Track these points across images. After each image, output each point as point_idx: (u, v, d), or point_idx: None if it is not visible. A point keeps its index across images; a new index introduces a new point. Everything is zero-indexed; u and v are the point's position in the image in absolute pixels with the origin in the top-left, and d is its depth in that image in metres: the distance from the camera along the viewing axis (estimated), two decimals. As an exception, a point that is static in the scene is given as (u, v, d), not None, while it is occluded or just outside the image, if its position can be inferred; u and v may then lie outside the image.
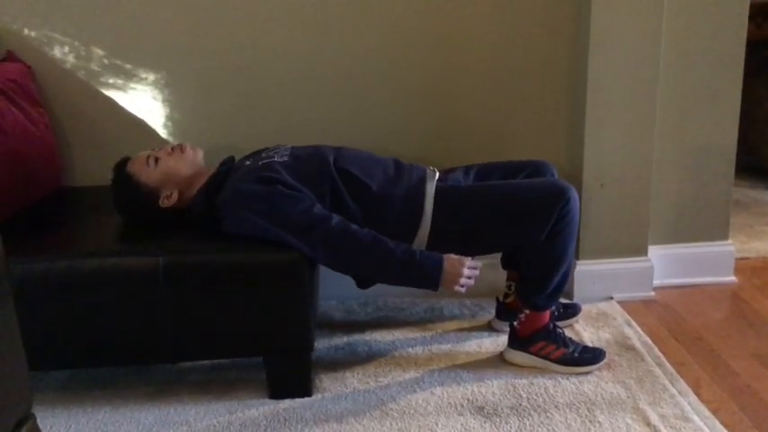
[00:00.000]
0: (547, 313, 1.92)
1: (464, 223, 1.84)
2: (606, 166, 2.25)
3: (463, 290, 1.76)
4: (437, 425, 1.70)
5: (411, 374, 1.92)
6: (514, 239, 1.87)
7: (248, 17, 2.17)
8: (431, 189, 1.87)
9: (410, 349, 2.06)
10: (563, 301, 2.19)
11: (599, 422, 1.70)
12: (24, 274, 1.66)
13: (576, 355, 1.91)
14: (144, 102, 2.22)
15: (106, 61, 2.18)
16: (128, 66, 2.19)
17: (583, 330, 2.13)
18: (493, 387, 1.85)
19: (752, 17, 2.33)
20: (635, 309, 2.28)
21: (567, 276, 1.89)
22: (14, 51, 2.13)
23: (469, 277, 1.75)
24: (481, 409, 1.76)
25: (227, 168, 1.90)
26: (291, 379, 1.83)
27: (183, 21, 2.16)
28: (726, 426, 1.68)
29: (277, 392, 1.82)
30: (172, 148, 1.90)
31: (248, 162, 1.88)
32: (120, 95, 2.21)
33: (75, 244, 1.82)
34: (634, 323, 2.17)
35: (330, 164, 1.84)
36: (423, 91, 2.28)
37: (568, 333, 2.02)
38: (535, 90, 2.30)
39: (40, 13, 2.12)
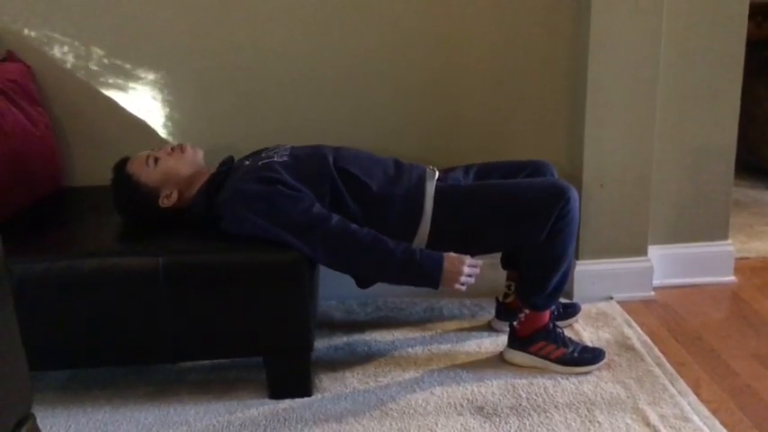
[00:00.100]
0: (546, 313, 1.92)
1: (464, 223, 1.84)
2: (606, 166, 2.25)
3: (464, 288, 1.76)
4: (437, 425, 1.70)
5: (411, 374, 1.92)
6: (514, 239, 1.87)
7: (248, 17, 2.18)
8: (431, 188, 1.87)
9: (410, 349, 2.06)
10: (562, 300, 2.19)
11: (599, 422, 1.70)
12: (24, 274, 1.66)
13: (575, 354, 1.91)
14: (144, 102, 2.22)
15: (106, 61, 2.18)
16: (128, 66, 2.19)
17: (582, 330, 2.13)
18: (492, 387, 1.85)
19: (752, 16, 2.33)
20: (635, 309, 2.28)
21: (566, 276, 1.89)
22: (14, 51, 2.13)
23: (470, 275, 1.75)
24: (481, 408, 1.76)
25: (227, 168, 1.90)
26: (291, 379, 1.83)
27: (182, 21, 2.16)
28: (725, 426, 1.68)
29: (277, 392, 1.83)
30: (172, 148, 1.90)
31: (248, 162, 1.88)
32: (120, 95, 2.21)
33: (75, 244, 1.82)
34: (634, 323, 2.17)
35: (330, 164, 1.84)
36: (423, 91, 2.28)
37: (568, 333, 2.02)
38: (535, 90, 2.30)
39: (40, 13, 2.12)
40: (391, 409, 1.77)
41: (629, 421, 1.70)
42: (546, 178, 1.98)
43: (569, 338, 1.95)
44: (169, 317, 1.72)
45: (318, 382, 1.90)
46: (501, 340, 2.05)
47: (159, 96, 2.22)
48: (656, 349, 2.01)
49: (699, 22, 2.24)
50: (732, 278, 2.47)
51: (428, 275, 1.73)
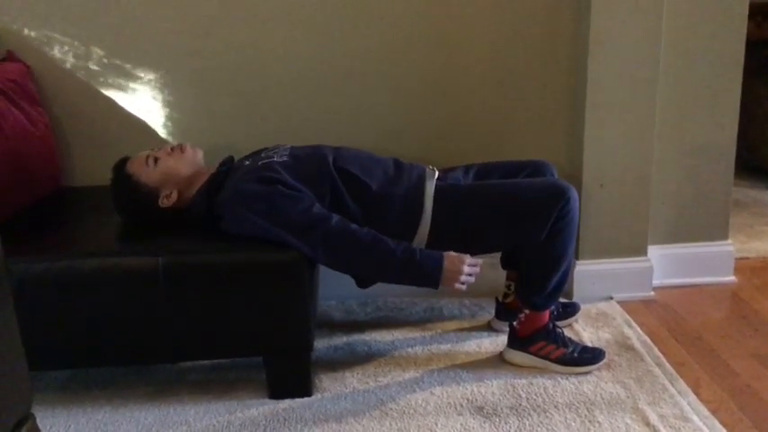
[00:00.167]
0: (546, 313, 1.92)
1: (464, 222, 1.84)
2: (606, 166, 2.25)
3: (464, 287, 1.76)
4: (436, 425, 1.70)
5: (410, 374, 1.93)
6: (514, 239, 1.87)
7: (248, 17, 2.18)
8: (430, 188, 1.87)
9: (410, 349, 2.06)
10: (562, 300, 2.19)
11: (598, 422, 1.70)
12: (24, 274, 1.66)
13: (575, 354, 1.91)
14: (144, 102, 2.22)
15: (106, 61, 2.18)
16: (128, 66, 2.19)
17: (582, 330, 2.13)
18: (492, 387, 1.85)
19: (751, 16, 2.33)
20: (634, 309, 2.28)
21: (566, 276, 1.89)
22: (14, 51, 2.13)
23: (470, 275, 1.75)
24: (481, 408, 1.76)
25: (227, 168, 1.90)
26: (291, 379, 1.83)
27: (183, 21, 2.16)
28: (725, 425, 1.68)
29: (277, 392, 1.83)
30: (171, 148, 1.90)
31: (248, 162, 1.88)
32: (120, 95, 2.21)
33: (75, 244, 1.82)
34: (633, 323, 2.17)
35: (330, 163, 1.84)
36: (423, 91, 2.28)
37: (568, 333, 2.02)
38: (535, 90, 2.30)
39: (40, 13, 2.12)
40: (391, 409, 1.77)
41: (628, 421, 1.70)
42: (546, 178, 1.98)
43: (569, 338, 1.95)
44: (169, 317, 1.72)
45: (318, 382, 1.90)
46: (501, 340, 2.05)
47: (159, 96, 2.22)
48: (655, 349, 2.01)
49: (699, 22, 2.24)
50: (732, 278, 2.47)
51: (428, 275, 1.73)
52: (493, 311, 2.18)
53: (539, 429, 1.68)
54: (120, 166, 1.89)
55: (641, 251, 2.34)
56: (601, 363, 1.92)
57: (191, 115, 2.24)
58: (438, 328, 2.17)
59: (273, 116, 2.25)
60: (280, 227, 1.72)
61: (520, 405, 1.77)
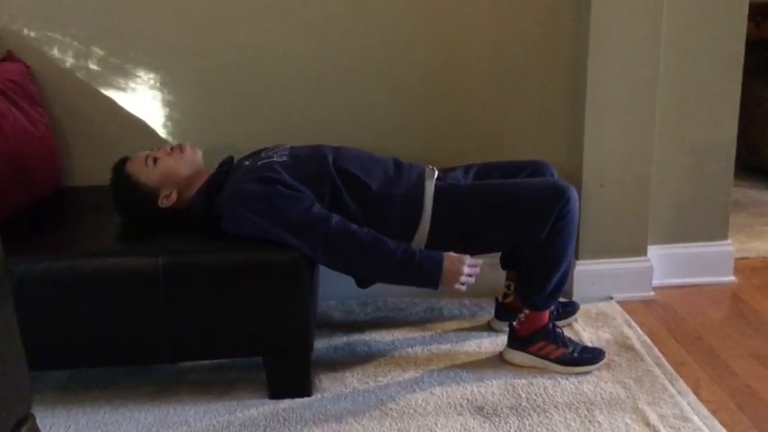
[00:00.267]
0: (546, 313, 1.92)
1: (464, 222, 1.84)
2: (606, 166, 2.25)
3: (464, 288, 1.76)
4: (436, 425, 1.70)
5: (410, 374, 1.93)
6: (514, 239, 1.87)
7: (248, 17, 2.18)
8: (430, 187, 1.87)
9: (409, 349, 2.06)
10: (561, 299, 2.19)
11: (598, 422, 1.70)
12: (24, 274, 1.66)
13: (575, 354, 1.91)
14: (144, 102, 2.22)
15: (106, 61, 2.18)
16: (127, 66, 2.19)
17: (582, 330, 2.13)
18: (492, 387, 1.85)
19: (751, 16, 2.33)
20: (634, 309, 2.28)
21: (566, 276, 1.89)
22: (14, 51, 2.13)
23: (470, 275, 1.75)
24: (480, 408, 1.76)
25: (227, 168, 1.90)
26: (291, 379, 1.83)
27: (183, 21, 2.16)
28: (725, 426, 1.68)
29: (277, 392, 1.83)
30: (171, 148, 1.90)
31: (247, 162, 1.88)
32: (120, 95, 2.21)
33: (75, 244, 1.82)
34: (633, 323, 2.17)
35: (329, 163, 1.84)
36: (422, 91, 2.28)
37: (567, 332, 2.02)
38: (535, 90, 2.30)
39: (40, 13, 2.12)
40: (391, 409, 1.77)
41: (628, 421, 1.70)
42: (546, 178, 1.98)
43: (569, 338, 1.95)
44: (169, 317, 1.72)
45: (318, 382, 1.90)
46: (501, 340, 2.05)
47: (159, 96, 2.22)
48: (655, 349, 2.01)
49: (699, 22, 2.24)
50: (732, 278, 2.47)
51: (428, 276, 1.73)
52: (493, 311, 2.18)
53: (539, 429, 1.68)
54: (120, 166, 1.89)
55: (641, 251, 2.35)
56: (601, 363, 1.92)
57: (191, 115, 2.24)
58: (438, 329, 2.17)
59: (273, 116, 2.25)
60: (279, 227, 1.72)
61: (520, 405, 1.77)
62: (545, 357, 1.91)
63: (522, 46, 2.26)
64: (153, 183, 1.85)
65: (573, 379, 1.88)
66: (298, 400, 1.82)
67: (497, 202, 1.84)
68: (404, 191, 1.86)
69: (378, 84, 2.26)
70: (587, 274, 2.32)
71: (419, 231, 1.84)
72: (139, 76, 2.20)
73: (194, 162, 1.90)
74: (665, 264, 2.41)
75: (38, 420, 1.18)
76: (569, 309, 2.20)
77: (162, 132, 2.25)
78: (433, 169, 1.95)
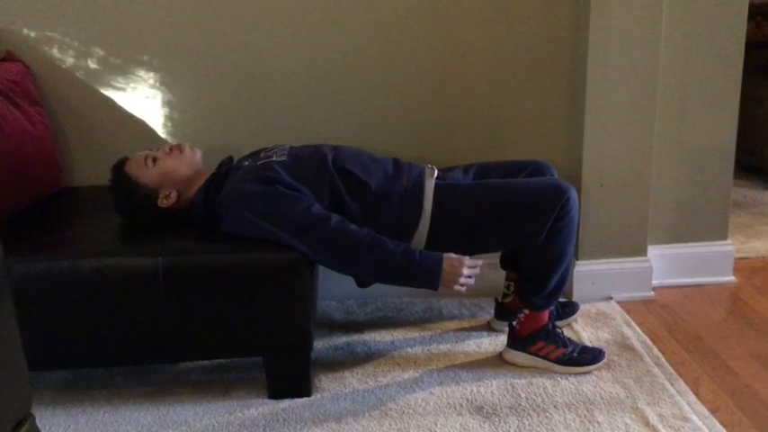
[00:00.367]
0: (546, 313, 1.92)
1: (463, 221, 1.84)
2: (606, 166, 2.26)
3: (463, 289, 1.76)
4: (436, 425, 1.71)
5: (410, 374, 1.93)
6: (513, 239, 1.87)
7: (248, 17, 2.18)
8: (430, 186, 1.87)
9: (409, 349, 2.06)
10: (561, 299, 2.19)
11: (598, 422, 1.70)
12: (24, 274, 1.66)
13: (575, 355, 1.91)
14: (144, 102, 2.22)
15: (106, 61, 2.18)
16: (127, 66, 2.19)
17: (582, 330, 2.14)
18: (492, 387, 1.85)
19: (751, 17, 2.33)
20: (634, 309, 2.28)
21: (566, 276, 1.89)
22: (14, 51, 2.13)
23: (469, 276, 1.75)
24: (480, 408, 1.77)
25: (227, 168, 1.90)
26: (291, 379, 1.83)
27: (182, 21, 2.16)
28: (724, 425, 1.68)
29: (276, 392, 1.83)
30: (170, 149, 1.90)
31: (247, 162, 1.88)
32: (120, 95, 2.21)
33: (75, 244, 1.82)
34: (633, 323, 2.17)
35: (329, 163, 1.84)
36: (422, 91, 2.28)
37: (567, 332, 2.03)
38: (535, 90, 2.30)
39: (39, 13, 2.12)
40: (390, 408, 1.77)
41: (628, 421, 1.70)
42: (546, 178, 1.98)
43: (569, 338, 1.95)
44: (169, 317, 1.72)
45: (318, 382, 1.90)
46: (500, 340, 2.05)
47: (159, 96, 2.22)
48: (655, 349, 2.01)
49: (698, 23, 2.24)
50: (731, 278, 2.48)
51: (427, 277, 1.73)
52: (492, 311, 2.18)
53: (538, 429, 1.68)
54: (119, 166, 1.89)
55: (641, 251, 2.35)
56: (600, 363, 1.92)
57: (191, 115, 2.25)
58: (437, 329, 2.17)
59: (273, 116, 2.25)
60: (279, 227, 1.72)
61: (519, 405, 1.77)
62: (545, 357, 1.91)
63: (522, 46, 2.27)
64: (152, 183, 1.85)
65: (572, 379, 1.88)
66: (297, 400, 1.82)
67: (497, 202, 1.84)
68: (403, 190, 1.86)
69: (378, 83, 2.26)
70: (587, 274, 2.33)
71: (419, 230, 1.84)
72: (139, 76, 2.20)
73: (193, 162, 1.90)
74: (664, 264, 2.41)
75: (38, 420, 1.18)
76: (569, 309, 2.21)
77: (162, 132, 2.25)
78: (432, 168, 1.95)
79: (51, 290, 1.68)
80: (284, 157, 1.84)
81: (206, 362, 1.98)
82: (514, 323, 1.93)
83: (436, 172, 1.94)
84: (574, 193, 1.83)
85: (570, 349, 1.92)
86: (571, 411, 1.74)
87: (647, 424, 1.68)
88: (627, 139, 2.23)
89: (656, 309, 2.30)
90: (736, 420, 1.71)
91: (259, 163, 1.83)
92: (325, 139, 2.15)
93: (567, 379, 1.88)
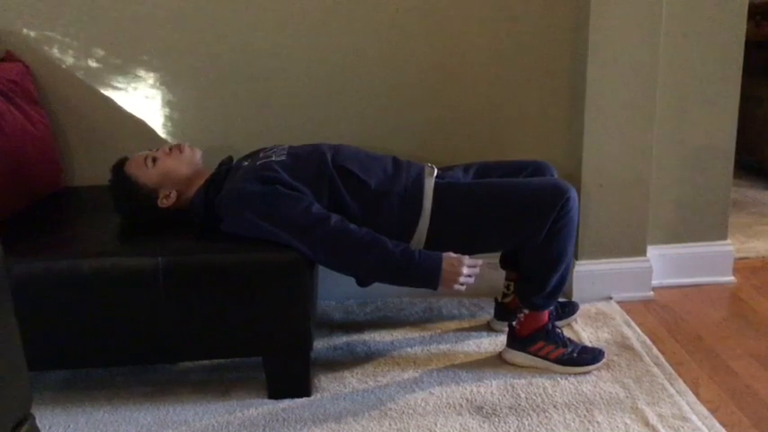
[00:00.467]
0: (546, 313, 1.92)
1: (463, 220, 1.84)
2: (606, 166, 2.26)
3: (463, 288, 1.76)
4: (436, 425, 1.71)
5: (410, 374, 1.93)
6: (513, 238, 1.86)
7: (248, 17, 2.18)
8: (429, 185, 1.87)
9: (409, 349, 2.06)
10: (560, 299, 2.19)
11: (597, 422, 1.70)
12: (24, 274, 1.66)
13: (574, 355, 1.91)
14: (143, 102, 2.22)
15: (106, 61, 2.18)
16: (127, 66, 2.19)
17: (582, 330, 2.14)
18: (492, 387, 1.85)
19: (751, 16, 2.33)
20: (634, 309, 2.28)
21: (565, 276, 1.89)
22: (14, 51, 2.13)
23: (469, 275, 1.75)
24: (480, 408, 1.77)
25: (226, 168, 1.90)
26: (290, 379, 1.83)
27: (182, 21, 2.16)
28: (724, 425, 1.68)
29: (276, 392, 1.83)
30: (170, 148, 1.90)
31: (246, 162, 1.88)
32: (120, 95, 2.21)
33: (75, 244, 1.82)
34: (633, 323, 2.17)
35: (328, 162, 1.84)
36: (422, 91, 2.28)
37: (567, 332, 2.03)
38: (535, 90, 2.30)
39: (39, 13, 2.12)
40: (390, 408, 1.78)
41: (627, 421, 1.70)
42: (545, 177, 1.98)
43: (568, 338, 1.95)
44: (169, 317, 1.72)
45: (317, 382, 1.90)
46: (500, 340, 2.05)
47: (159, 96, 2.22)
48: (654, 349, 2.01)
49: (698, 23, 2.24)
50: (731, 278, 2.48)
51: (427, 276, 1.73)
52: (492, 311, 2.18)
53: (538, 429, 1.68)
54: (119, 166, 1.89)
55: (641, 251, 2.35)
56: (600, 363, 1.92)
57: (191, 115, 2.25)
58: (437, 328, 2.17)
59: (273, 116, 2.26)
60: (279, 227, 1.72)
61: (519, 405, 1.77)
62: (544, 357, 1.91)
63: (522, 46, 2.27)
64: (152, 183, 1.85)
65: (572, 379, 1.88)
66: (297, 400, 1.82)
67: (497, 201, 1.84)
68: (403, 189, 1.86)
69: (378, 83, 2.26)
70: (587, 274, 2.33)
71: (418, 229, 1.84)
72: (139, 76, 2.20)
73: (193, 162, 1.90)
74: (664, 264, 2.41)
75: (37, 420, 1.18)
76: (569, 309, 2.21)
77: (162, 132, 2.25)
78: (432, 167, 1.95)
79: (51, 290, 1.68)
80: (283, 157, 1.85)
81: (206, 362, 1.98)
82: (514, 323, 1.94)
83: (436, 171, 1.93)
84: (574, 193, 1.83)
85: (570, 349, 1.92)
86: (571, 411, 1.74)
87: (647, 424, 1.68)
88: (627, 139, 2.24)
89: (655, 309, 2.30)
90: (736, 420, 1.71)
91: (258, 163, 1.83)
92: (325, 139, 2.15)
93: (566, 379, 1.88)
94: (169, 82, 2.21)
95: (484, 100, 2.30)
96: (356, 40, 2.22)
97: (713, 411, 1.74)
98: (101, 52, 2.17)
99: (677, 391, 1.81)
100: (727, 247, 2.47)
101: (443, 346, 2.07)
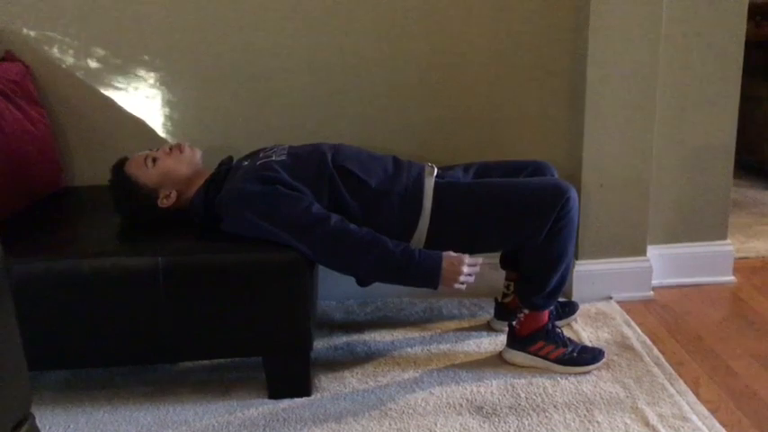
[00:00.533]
0: (546, 313, 1.92)
1: (463, 220, 1.84)
2: (606, 166, 2.26)
3: (463, 287, 1.76)
4: (436, 425, 1.71)
5: (410, 374, 1.93)
6: (513, 238, 1.86)
7: (249, 17, 2.18)
8: (429, 185, 1.87)
9: (409, 349, 2.06)
10: (560, 299, 2.19)
11: (597, 422, 1.70)
12: (24, 274, 1.66)
13: (574, 354, 1.91)
14: (143, 102, 2.22)
15: (106, 61, 2.18)
16: (127, 65, 2.19)
17: (582, 330, 2.14)
18: (492, 387, 1.85)
19: (751, 16, 2.33)
20: (634, 308, 2.28)
21: (566, 276, 1.89)
22: (14, 51, 2.13)
23: (469, 275, 1.75)
24: (480, 408, 1.77)
25: (226, 168, 1.90)
26: (290, 379, 1.83)
27: (182, 21, 2.16)
28: (724, 425, 1.68)
29: (276, 392, 1.83)
30: (170, 148, 1.90)
31: (246, 162, 1.88)
32: (120, 95, 2.21)
33: (75, 244, 1.82)
34: (633, 323, 2.17)
35: (328, 161, 1.84)
36: (422, 90, 2.28)
37: (567, 332, 2.03)
38: (535, 90, 2.30)
39: (39, 13, 2.12)
40: (390, 408, 1.78)
41: (628, 421, 1.70)
42: (546, 177, 1.98)
43: (569, 338, 1.95)
44: (169, 317, 1.72)
45: (318, 381, 1.90)
46: (500, 340, 2.05)
47: (159, 96, 2.22)
48: (655, 349, 2.01)
49: (698, 23, 2.24)
50: (731, 278, 2.48)
51: (427, 276, 1.73)
52: (492, 311, 2.18)
53: (538, 429, 1.68)
54: (119, 166, 1.89)
55: (641, 251, 2.35)
56: (600, 363, 1.92)
57: (191, 115, 2.25)
58: (437, 328, 2.17)
59: (273, 116, 2.26)
60: (279, 227, 1.72)
61: (519, 405, 1.77)
62: (544, 357, 1.91)
63: (522, 46, 2.26)
64: (152, 183, 1.85)
65: (572, 379, 1.88)
66: (297, 400, 1.82)
67: (497, 201, 1.84)
68: (403, 188, 1.86)
69: (378, 83, 2.26)
70: (587, 273, 2.33)
71: (418, 229, 1.84)
72: (139, 76, 2.20)
73: (193, 162, 1.90)
74: (664, 264, 2.41)
75: (37, 420, 1.18)
76: (569, 309, 2.21)
77: (162, 132, 2.25)
78: (432, 167, 1.95)
79: (51, 290, 1.68)
80: (283, 157, 1.85)
81: (206, 362, 1.98)
82: (514, 323, 1.94)
83: (436, 170, 1.93)
84: (574, 193, 1.83)
85: (570, 349, 1.92)
86: (571, 411, 1.74)
87: (647, 424, 1.68)
88: (627, 140, 2.24)
89: (655, 309, 2.30)
90: (736, 420, 1.71)
91: (258, 163, 1.83)
92: (325, 139, 2.15)
93: (566, 379, 1.88)
94: (169, 82, 2.21)
95: (484, 100, 2.30)
96: (356, 40, 2.22)
97: (713, 411, 1.74)
98: (101, 52, 2.17)
99: (677, 391, 1.81)
100: (727, 247, 2.47)
101: (443, 346, 2.07)
